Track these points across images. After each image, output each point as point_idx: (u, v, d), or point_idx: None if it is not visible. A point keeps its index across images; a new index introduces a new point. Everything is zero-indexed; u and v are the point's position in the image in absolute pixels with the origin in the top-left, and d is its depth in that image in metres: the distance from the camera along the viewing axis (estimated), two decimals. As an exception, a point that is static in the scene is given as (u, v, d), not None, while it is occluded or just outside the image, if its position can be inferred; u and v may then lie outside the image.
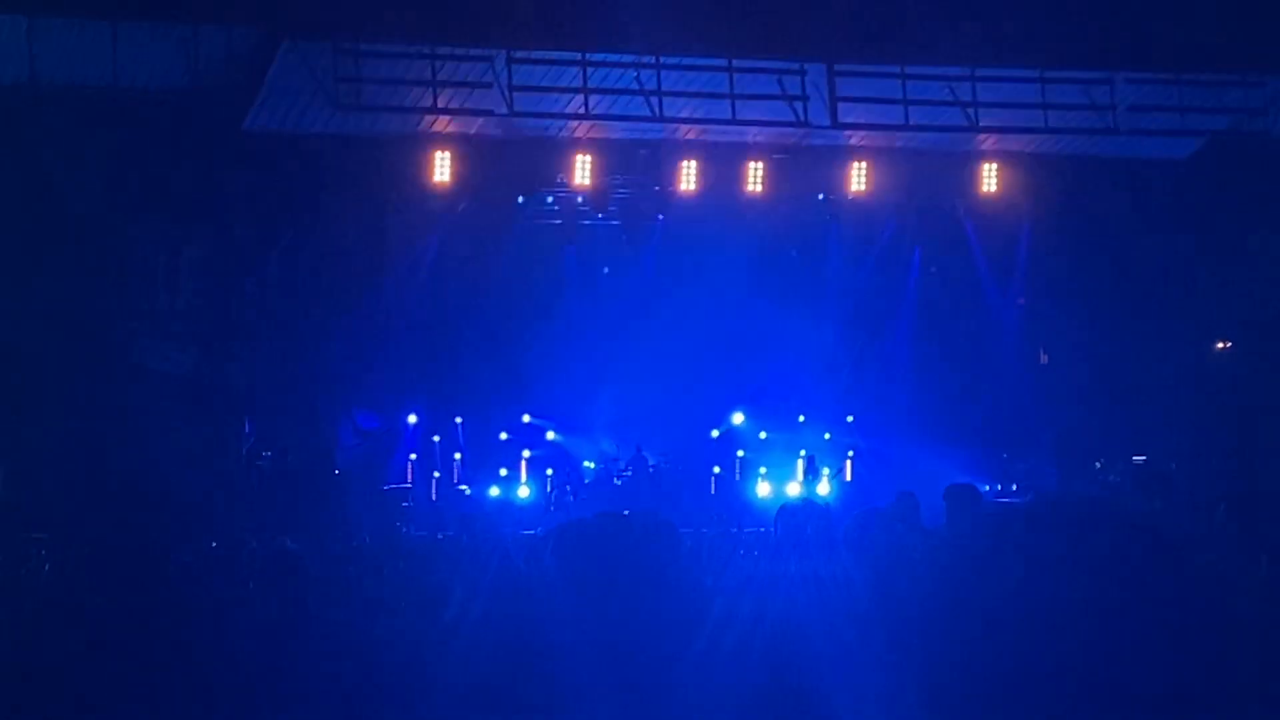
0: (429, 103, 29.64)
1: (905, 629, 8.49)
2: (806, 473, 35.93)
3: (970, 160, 33.59)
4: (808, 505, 11.40)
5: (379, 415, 34.91)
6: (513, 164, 32.56)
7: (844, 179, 33.62)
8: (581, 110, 30.44)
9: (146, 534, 11.11)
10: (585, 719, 8.22)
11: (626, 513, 13.84)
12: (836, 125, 30.93)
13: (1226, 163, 32.86)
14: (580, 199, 34.35)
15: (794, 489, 35.89)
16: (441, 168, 31.69)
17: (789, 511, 10.26)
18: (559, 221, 35.42)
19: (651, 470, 35.80)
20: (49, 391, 28.70)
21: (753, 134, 32.00)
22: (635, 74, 30.24)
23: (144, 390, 29.77)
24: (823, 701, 8.29)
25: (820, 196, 34.65)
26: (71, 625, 9.48)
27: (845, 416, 37.46)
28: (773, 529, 10.14)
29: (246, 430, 32.14)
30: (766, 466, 36.75)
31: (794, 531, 9.91)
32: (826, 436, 37.18)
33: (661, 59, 29.95)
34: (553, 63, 29.67)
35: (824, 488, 35.77)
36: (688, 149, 32.42)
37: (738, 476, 36.87)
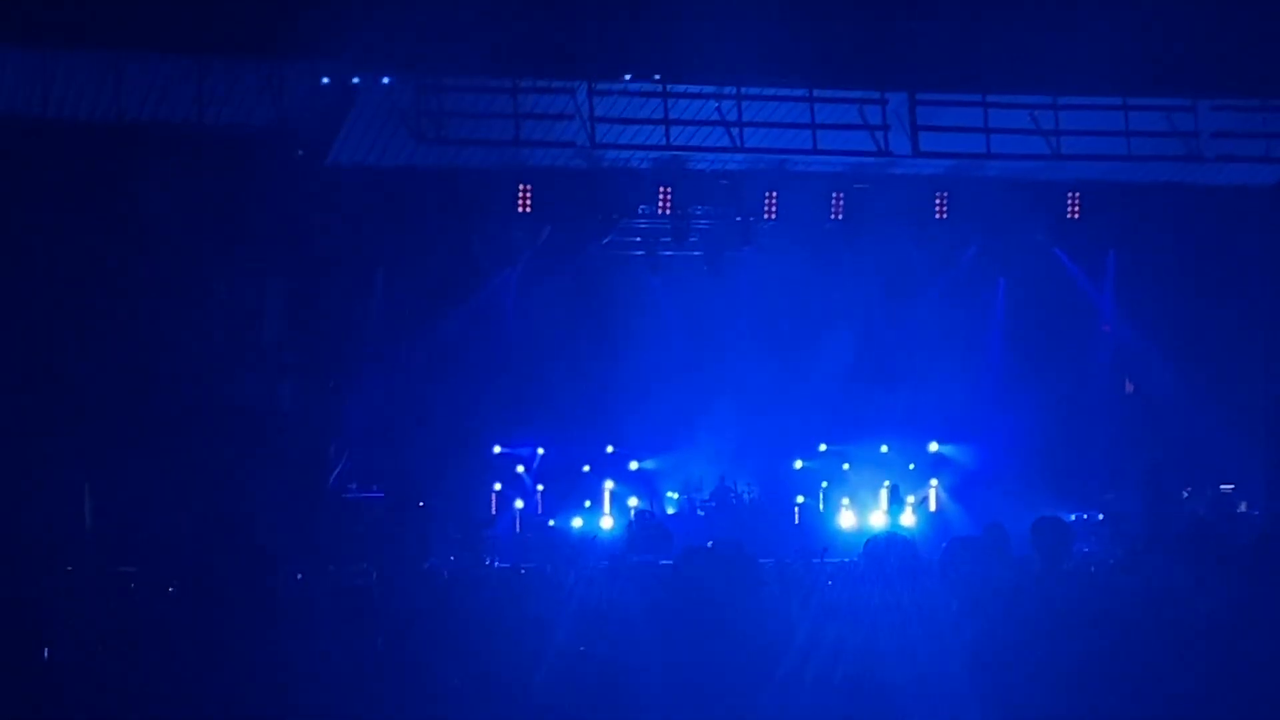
0: (511, 135, 29.74)
1: (995, 662, 8.45)
2: (891, 502, 35.84)
3: (1053, 189, 33.45)
4: (892, 537, 11.34)
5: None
6: (595, 195, 32.70)
7: (926, 208, 33.57)
8: (663, 141, 30.47)
9: (233, 568, 11.19)
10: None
11: (710, 544, 13.82)
12: (918, 154, 30.82)
13: (1311, 189, 32.66)
14: (662, 230, 34.44)
15: (878, 519, 35.79)
16: (524, 200, 31.85)
17: (875, 543, 10.22)
18: (641, 252, 35.50)
19: (735, 501, 35.76)
20: (137, 425, 28.93)
21: (834, 164, 31.97)
22: (716, 104, 30.28)
23: (232, 424, 29.97)
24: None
25: (906, 225, 34.58)
26: (153, 656, 9.55)
27: (929, 446, 37.36)
28: (859, 561, 10.09)
29: (334, 461, 32.31)
30: (850, 496, 36.67)
31: (879, 563, 9.87)
32: (911, 466, 37.07)
33: (742, 89, 29.97)
34: (634, 94, 29.73)
35: (908, 518, 35.66)
36: (769, 179, 32.43)
37: (821, 507, 36.80)
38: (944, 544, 10.65)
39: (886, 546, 10.24)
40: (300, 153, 29.33)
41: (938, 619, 9.33)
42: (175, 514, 27.23)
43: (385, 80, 28.58)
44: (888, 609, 9.44)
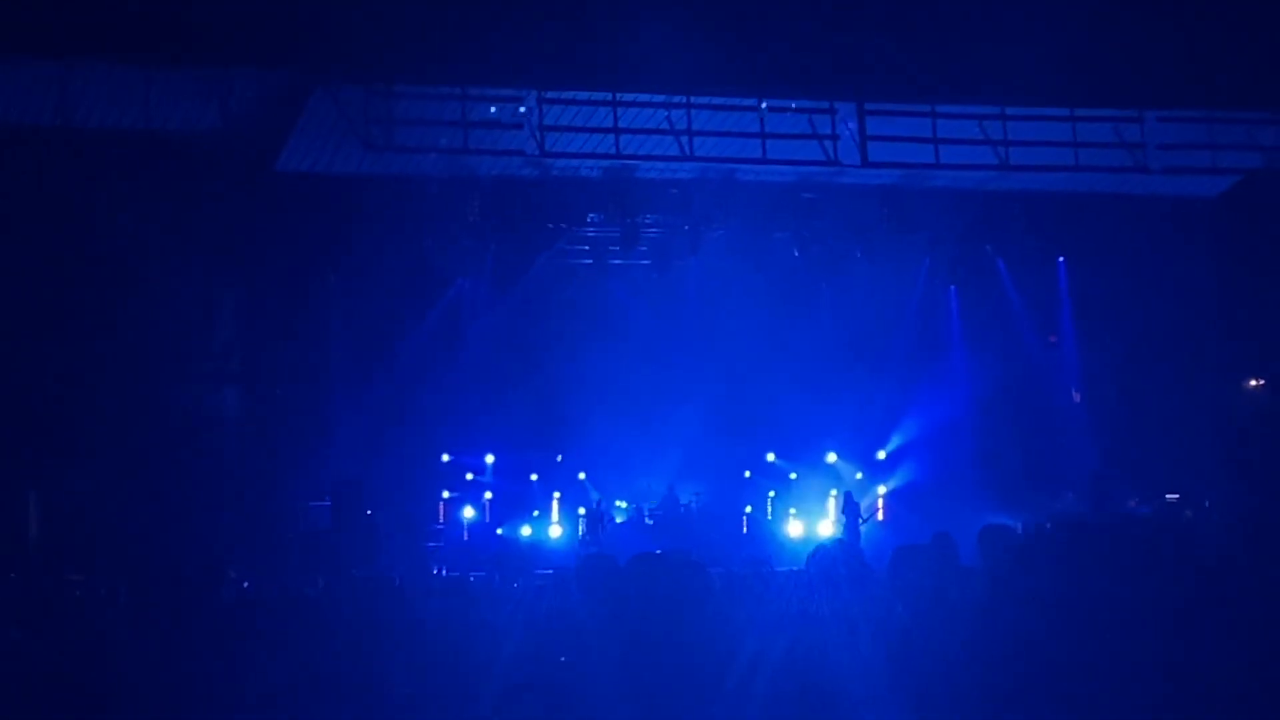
0: (460, 143, 29.69)
1: (943, 668, 8.47)
2: (840, 511, 35.92)
3: (1001, 199, 33.59)
4: (838, 545, 11.37)
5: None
6: (544, 203, 32.68)
7: (875, 218, 33.68)
8: (612, 150, 30.47)
9: (176, 575, 11.15)
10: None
11: (659, 552, 13.85)
12: (867, 164, 30.89)
13: (1258, 201, 32.77)
14: (611, 238, 34.45)
15: (826, 528, 35.88)
16: (473, 208, 31.84)
17: (822, 552, 10.24)
18: (590, 261, 35.50)
19: (683, 509, 35.80)
20: (83, 432, 28.80)
21: (784, 173, 32.03)
22: (666, 114, 30.29)
23: (178, 431, 29.86)
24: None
25: (853, 235, 34.66)
26: (99, 666, 9.51)
27: (876, 454, 37.47)
28: (806, 570, 10.11)
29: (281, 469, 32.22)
30: (797, 506, 36.77)
31: (826, 571, 9.89)
32: (858, 476, 37.18)
33: (692, 99, 30.00)
34: (583, 103, 29.73)
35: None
36: (718, 188, 32.45)
37: (769, 516, 36.88)
38: (891, 552, 10.67)
39: (833, 555, 10.27)
40: (248, 158, 29.23)
41: (886, 628, 9.36)
42: (122, 521, 27.15)
43: (335, 87, 28.47)
44: (836, 618, 9.45)
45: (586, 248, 35.30)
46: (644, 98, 29.92)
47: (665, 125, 30.40)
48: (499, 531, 35.06)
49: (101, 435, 28.84)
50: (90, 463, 28.71)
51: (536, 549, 33.64)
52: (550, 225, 33.69)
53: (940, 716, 8.03)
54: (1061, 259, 35.79)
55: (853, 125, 30.55)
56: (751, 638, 9.15)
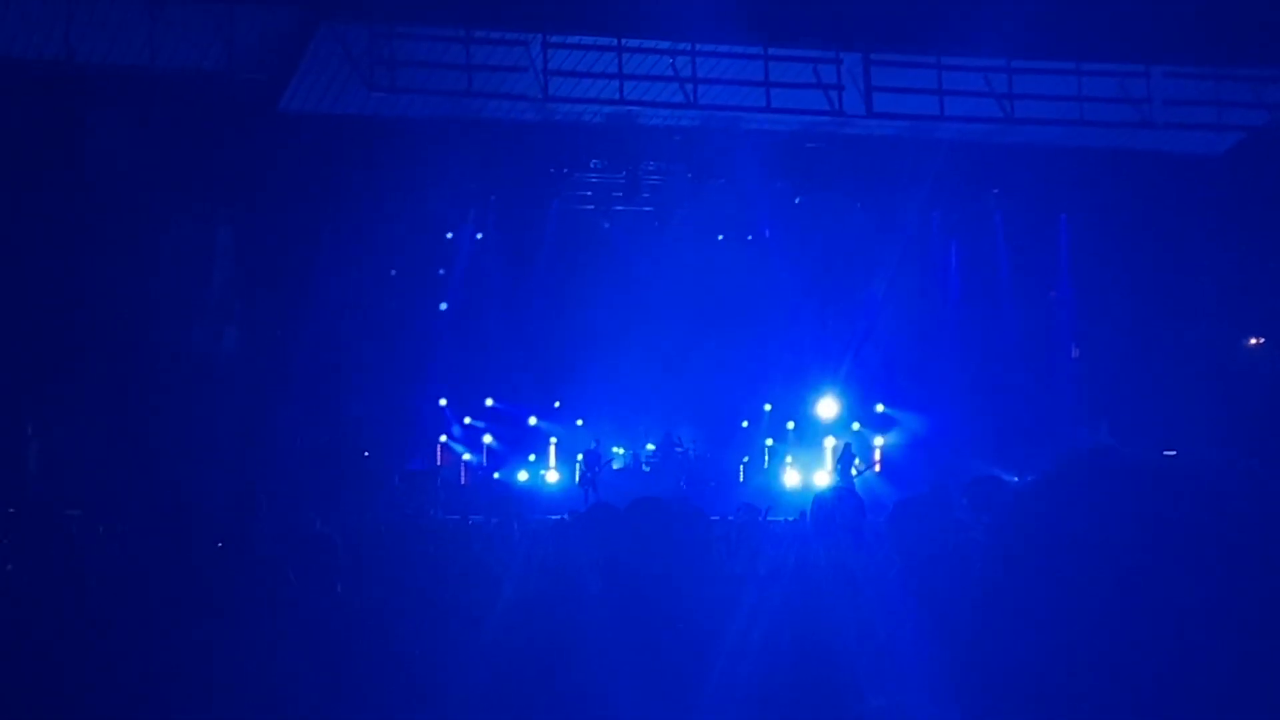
0: (463, 86, 29.58)
1: (940, 620, 8.46)
2: (837, 461, 35.98)
3: (1005, 152, 33.49)
4: (837, 493, 11.35)
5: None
6: (546, 149, 32.61)
7: (878, 170, 33.61)
8: (616, 96, 30.36)
9: (177, 513, 11.13)
10: (615, 704, 8.21)
11: (656, 498, 13.87)
12: (871, 115, 30.78)
13: (1263, 158, 32.69)
14: (614, 185, 34.41)
15: (823, 477, 35.93)
16: (475, 152, 31.77)
17: (823, 500, 10.22)
18: (591, 207, 35.46)
19: (680, 457, 35.85)
20: (85, 370, 28.79)
21: (788, 122, 31.92)
22: (670, 60, 30.16)
23: (178, 369, 29.85)
24: (856, 690, 8.27)
25: (856, 186, 34.63)
26: (97, 604, 9.48)
27: (875, 406, 37.51)
28: (807, 517, 10.09)
29: (279, 410, 32.23)
30: (794, 455, 36.82)
31: (825, 521, 9.87)
32: (856, 426, 37.22)
33: (697, 46, 29.88)
34: (588, 48, 29.61)
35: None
36: (721, 136, 32.36)
37: (766, 464, 36.94)
38: (891, 504, 10.64)
39: (835, 503, 10.27)
40: (251, 98, 29.14)
41: (885, 581, 9.35)
42: (120, 459, 27.15)
43: (339, 27, 28.36)
44: (835, 569, 9.45)
45: (588, 194, 35.28)
46: (649, 44, 29.80)
47: (670, 72, 30.29)
48: (496, 475, 35.12)
49: (100, 374, 28.83)
50: (89, 401, 28.71)
51: (533, 494, 33.69)
52: (552, 170, 33.65)
53: (939, 667, 8.04)
54: (1064, 215, 35.72)
55: (858, 75, 30.45)
56: (750, 587, 9.15)
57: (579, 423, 36.70)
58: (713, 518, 14.60)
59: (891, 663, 8.15)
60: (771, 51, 30.09)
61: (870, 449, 37.21)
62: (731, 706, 8.09)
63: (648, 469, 35.88)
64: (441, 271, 35.43)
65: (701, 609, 8.77)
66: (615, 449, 36.42)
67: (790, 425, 37.73)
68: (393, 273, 34.08)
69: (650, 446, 36.18)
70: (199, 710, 8.67)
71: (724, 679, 8.19)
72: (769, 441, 37.38)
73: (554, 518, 21.11)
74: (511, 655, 8.97)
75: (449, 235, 34.89)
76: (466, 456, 35.59)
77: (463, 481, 35.03)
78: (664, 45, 29.87)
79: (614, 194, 34.97)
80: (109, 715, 8.62)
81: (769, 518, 18.66)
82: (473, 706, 8.73)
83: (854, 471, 35.37)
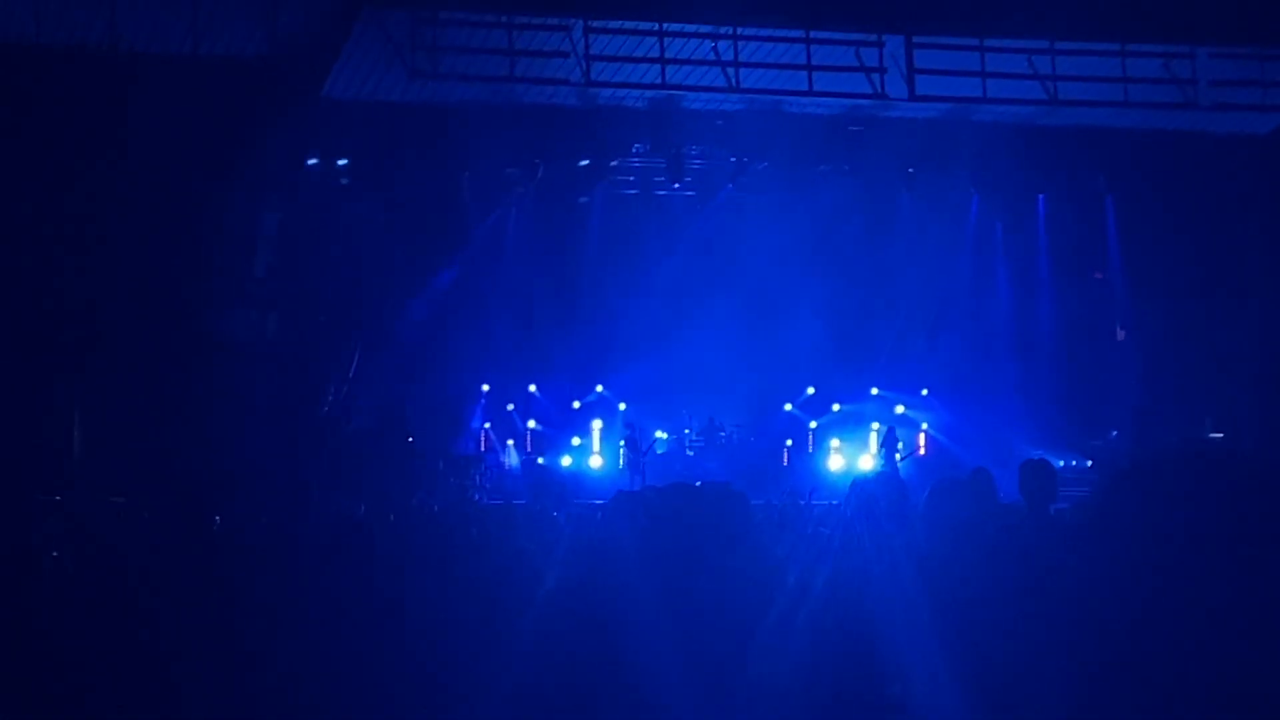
0: (505, 71, 29.59)
1: (979, 605, 8.44)
2: (881, 445, 35.91)
3: (1050, 134, 33.36)
4: (880, 477, 11.34)
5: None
6: (589, 134, 32.62)
7: (921, 152, 33.52)
8: (658, 81, 30.34)
9: (224, 501, 11.18)
10: (656, 690, 8.21)
11: (699, 483, 13.86)
12: (915, 98, 30.69)
13: (1309, 137, 32.60)
14: (657, 169, 34.39)
15: (867, 462, 35.87)
16: (518, 137, 31.80)
17: (862, 484, 10.20)
18: (635, 191, 35.44)
19: (723, 441, 35.82)
20: (129, 358, 28.89)
21: (830, 106, 31.86)
22: (712, 44, 30.12)
23: (223, 357, 29.94)
24: (897, 676, 8.26)
25: (899, 169, 34.55)
26: (141, 591, 9.54)
27: (920, 390, 37.41)
28: (846, 501, 10.07)
29: (328, 396, 32.30)
30: (840, 439, 36.75)
31: (867, 505, 9.85)
32: (900, 410, 37.14)
33: (738, 30, 29.83)
34: (629, 33, 29.58)
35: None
36: (764, 120, 32.30)
37: (810, 449, 36.88)
38: (928, 487, 10.64)
39: (875, 487, 10.24)
40: (294, 84, 29.21)
41: (927, 564, 9.33)
42: (165, 444, 27.26)
43: (381, 13, 28.39)
44: (880, 552, 9.43)
45: (631, 178, 35.26)
46: (690, 28, 29.76)
47: (711, 56, 30.24)
48: (540, 460, 35.13)
49: (144, 361, 28.94)
50: (133, 388, 28.81)
51: (577, 479, 33.68)
52: (595, 155, 33.65)
53: (978, 652, 8.01)
54: (1109, 197, 35.55)
55: (900, 58, 30.36)
56: (792, 570, 9.14)
57: (621, 407, 36.69)
58: (756, 501, 14.58)
59: (933, 644, 8.13)
60: (813, 34, 30.04)
61: (915, 433, 37.11)
62: (773, 690, 8.09)
63: (691, 453, 35.85)
64: (482, 255, 35.40)
65: (743, 593, 8.77)
66: (659, 433, 36.38)
67: (835, 409, 37.65)
68: (433, 258, 34.05)
69: (687, 432, 36.14)
70: (244, 692, 8.72)
71: (765, 663, 8.18)
72: (813, 425, 37.32)
73: (598, 502, 21.10)
74: (552, 644, 8.97)
75: (493, 220, 34.88)
76: (510, 442, 35.61)
77: (506, 466, 35.05)
78: (706, 29, 29.82)
79: (656, 178, 34.95)
80: (154, 696, 8.67)
81: (813, 501, 18.64)
82: (513, 695, 8.74)
83: (897, 455, 35.30)
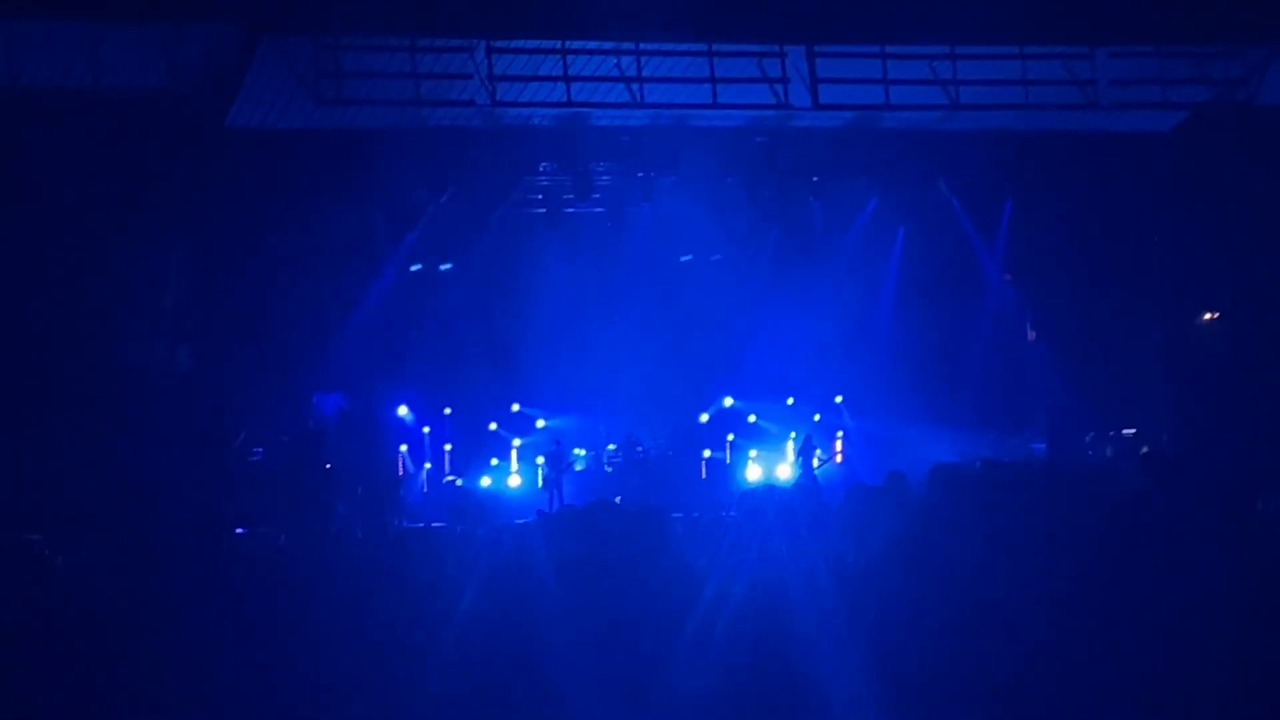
0: (411, 94, 29.53)
1: (896, 605, 8.53)
2: (798, 453, 36.00)
3: (952, 139, 33.51)
4: (769, 490, 11.47)
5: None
6: (495, 154, 32.57)
7: (827, 161, 33.65)
8: (564, 99, 30.34)
9: (139, 532, 11.16)
10: (579, 704, 8.26)
11: (618, 499, 13.89)
12: (818, 106, 30.80)
13: (1210, 134, 32.80)
14: (565, 187, 34.37)
15: (784, 471, 35.98)
16: (425, 160, 31.73)
17: (749, 496, 10.31)
18: (543, 210, 35.40)
19: (642, 456, 35.83)
20: (38, 393, 28.66)
21: (735, 118, 31.92)
22: (615, 60, 30.13)
23: (133, 389, 29.73)
24: (813, 676, 8.34)
25: (807, 179, 34.62)
26: (65, 623, 9.53)
27: (834, 397, 37.53)
28: (734, 513, 10.18)
29: (237, 426, 32.10)
30: (757, 449, 36.84)
31: (753, 515, 9.96)
32: (816, 418, 37.25)
33: (641, 45, 29.87)
34: (533, 51, 29.58)
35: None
36: (669, 134, 32.34)
37: (728, 460, 36.95)
38: (843, 492, 10.75)
39: (763, 499, 10.32)
40: (197, 115, 29.06)
41: (843, 568, 9.42)
42: (80, 479, 27.07)
43: (282, 41, 28.27)
44: (796, 559, 9.52)
45: (540, 197, 35.20)
46: (593, 45, 29.77)
47: (615, 72, 30.26)
48: (458, 482, 35.07)
49: (57, 396, 28.71)
50: (47, 423, 28.59)
51: (496, 498, 33.66)
52: (503, 175, 33.59)
53: (895, 653, 8.09)
54: (1009, 201, 35.70)
55: (803, 68, 30.46)
56: (712, 582, 9.21)
57: (540, 424, 36.68)
58: (675, 515, 14.62)
59: (851, 650, 8.20)
60: (716, 47, 30.09)
61: (831, 440, 37.22)
62: (691, 698, 8.14)
63: (610, 469, 35.85)
64: (394, 279, 35.30)
65: (660, 606, 8.81)
66: (576, 451, 36.36)
67: (751, 419, 37.74)
68: (344, 284, 33.90)
69: (611, 447, 36.14)
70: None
71: (683, 672, 8.22)
72: (730, 437, 37.38)
73: (518, 522, 21.23)
74: (474, 660, 8.99)
75: (403, 244, 34.77)
76: (427, 465, 35.52)
77: (424, 489, 34.96)
78: (609, 45, 29.84)
79: (565, 196, 34.92)
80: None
81: (730, 513, 18.69)
82: (437, 710, 8.75)
83: (815, 463, 35.41)
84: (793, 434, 37.00)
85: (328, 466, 31.67)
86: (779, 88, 30.59)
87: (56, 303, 29.09)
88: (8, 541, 18.87)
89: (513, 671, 8.67)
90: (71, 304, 29.29)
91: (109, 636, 9.28)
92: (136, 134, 28.58)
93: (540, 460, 35.54)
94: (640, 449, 35.85)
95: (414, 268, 35.01)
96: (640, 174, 34.02)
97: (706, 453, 36.82)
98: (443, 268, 35.38)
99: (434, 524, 29.37)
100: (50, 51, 27.69)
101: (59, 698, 8.87)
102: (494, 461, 35.91)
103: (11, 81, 27.74)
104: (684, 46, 30.10)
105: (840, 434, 37.49)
